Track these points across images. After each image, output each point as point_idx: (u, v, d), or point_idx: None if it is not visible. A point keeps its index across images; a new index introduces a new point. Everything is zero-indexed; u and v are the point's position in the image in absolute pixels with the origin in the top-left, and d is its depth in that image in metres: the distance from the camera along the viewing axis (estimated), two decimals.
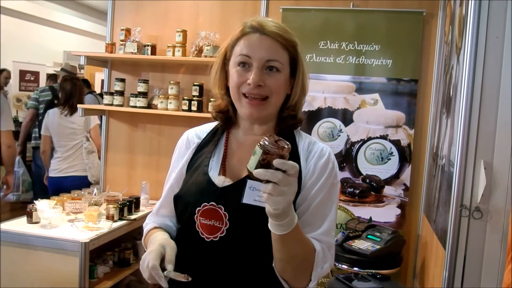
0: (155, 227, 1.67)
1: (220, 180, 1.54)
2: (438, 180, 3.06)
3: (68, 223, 3.39)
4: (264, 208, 1.31)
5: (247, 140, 1.61)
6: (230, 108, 1.62)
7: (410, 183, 3.85)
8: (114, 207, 3.52)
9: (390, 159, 3.86)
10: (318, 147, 1.58)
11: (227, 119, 1.65)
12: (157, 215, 1.72)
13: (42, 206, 3.32)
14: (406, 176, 3.85)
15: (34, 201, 3.40)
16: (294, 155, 1.55)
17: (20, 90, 9.39)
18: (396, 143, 3.85)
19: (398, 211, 3.85)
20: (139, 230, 3.95)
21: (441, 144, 3.10)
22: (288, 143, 1.27)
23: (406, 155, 3.85)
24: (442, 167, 2.93)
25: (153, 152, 4.34)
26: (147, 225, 1.71)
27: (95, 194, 3.81)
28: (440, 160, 3.10)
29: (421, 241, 3.74)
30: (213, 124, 1.72)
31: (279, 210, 1.27)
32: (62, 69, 6.44)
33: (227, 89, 1.59)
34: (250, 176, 1.29)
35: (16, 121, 7.97)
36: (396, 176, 3.87)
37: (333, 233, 1.55)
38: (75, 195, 3.86)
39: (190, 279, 1.37)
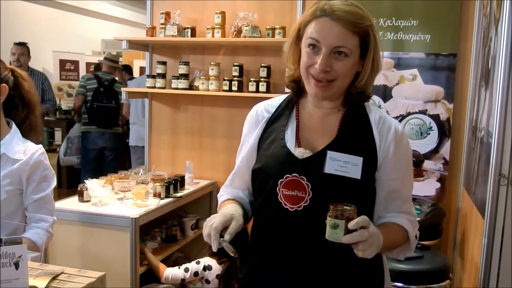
0: (229, 199, 1.77)
1: (300, 152, 1.61)
2: (477, 153, 3.08)
3: (117, 201, 3.53)
4: (345, 177, 1.52)
5: (316, 112, 1.69)
6: (302, 80, 1.66)
7: (449, 157, 3.85)
8: (160, 185, 3.63)
9: (429, 133, 3.88)
10: (391, 122, 1.68)
11: (299, 88, 1.71)
12: (231, 187, 1.82)
13: (93, 185, 3.47)
14: (445, 150, 3.86)
15: (85, 180, 3.56)
16: (367, 127, 1.64)
17: (60, 79, 9.58)
18: (435, 117, 3.86)
19: (438, 184, 3.87)
20: (185, 207, 4.08)
21: (480, 116, 3.11)
22: (349, 204, 1.43)
23: (445, 129, 3.85)
24: (481, 139, 2.95)
25: (196, 133, 4.41)
26: (221, 196, 1.82)
27: (141, 174, 3.93)
28: (479, 133, 3.11)
29: (461, 214, 3.75)
30: (281, 98, 1.78)
31: (374, 254, 1.43)
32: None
33: (299, 62, 1.63)
34: (333, 245, 1.40)
35: (59, 109, 8.21)
36: (436, 150, 3.88)
37: None
38: (122, 175, 4.00)
39: (237, 255, 1.49)
